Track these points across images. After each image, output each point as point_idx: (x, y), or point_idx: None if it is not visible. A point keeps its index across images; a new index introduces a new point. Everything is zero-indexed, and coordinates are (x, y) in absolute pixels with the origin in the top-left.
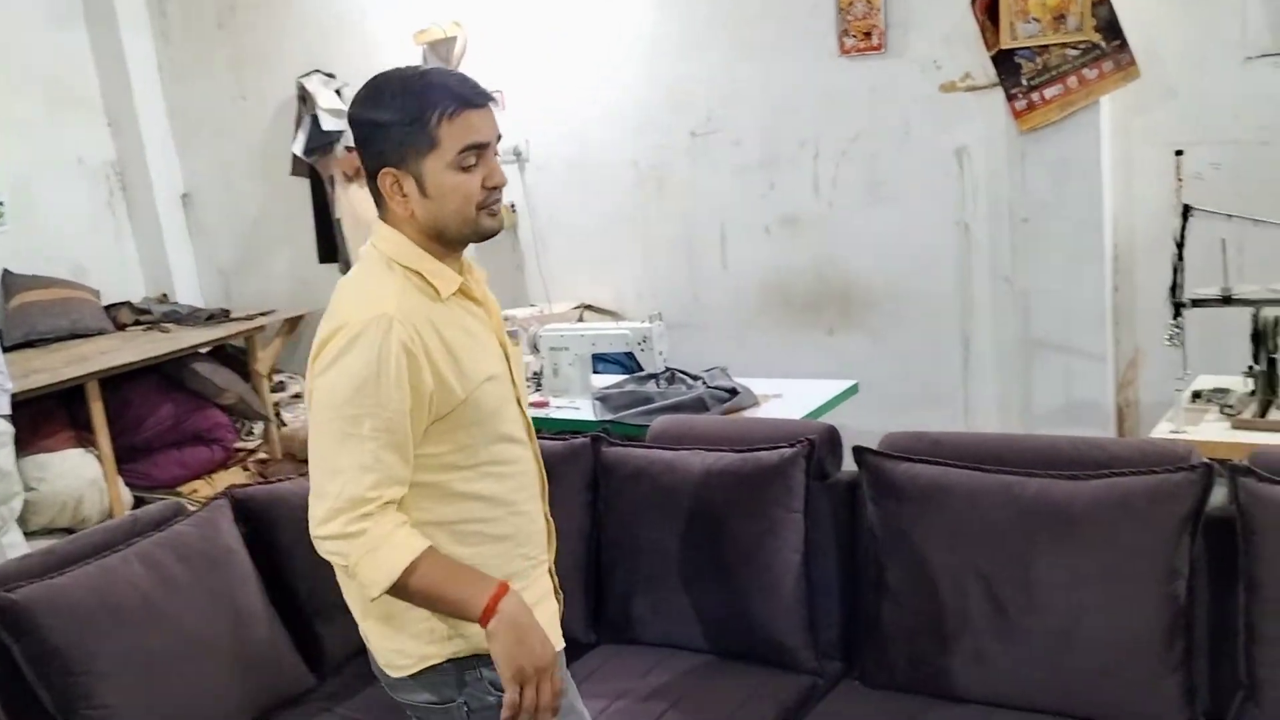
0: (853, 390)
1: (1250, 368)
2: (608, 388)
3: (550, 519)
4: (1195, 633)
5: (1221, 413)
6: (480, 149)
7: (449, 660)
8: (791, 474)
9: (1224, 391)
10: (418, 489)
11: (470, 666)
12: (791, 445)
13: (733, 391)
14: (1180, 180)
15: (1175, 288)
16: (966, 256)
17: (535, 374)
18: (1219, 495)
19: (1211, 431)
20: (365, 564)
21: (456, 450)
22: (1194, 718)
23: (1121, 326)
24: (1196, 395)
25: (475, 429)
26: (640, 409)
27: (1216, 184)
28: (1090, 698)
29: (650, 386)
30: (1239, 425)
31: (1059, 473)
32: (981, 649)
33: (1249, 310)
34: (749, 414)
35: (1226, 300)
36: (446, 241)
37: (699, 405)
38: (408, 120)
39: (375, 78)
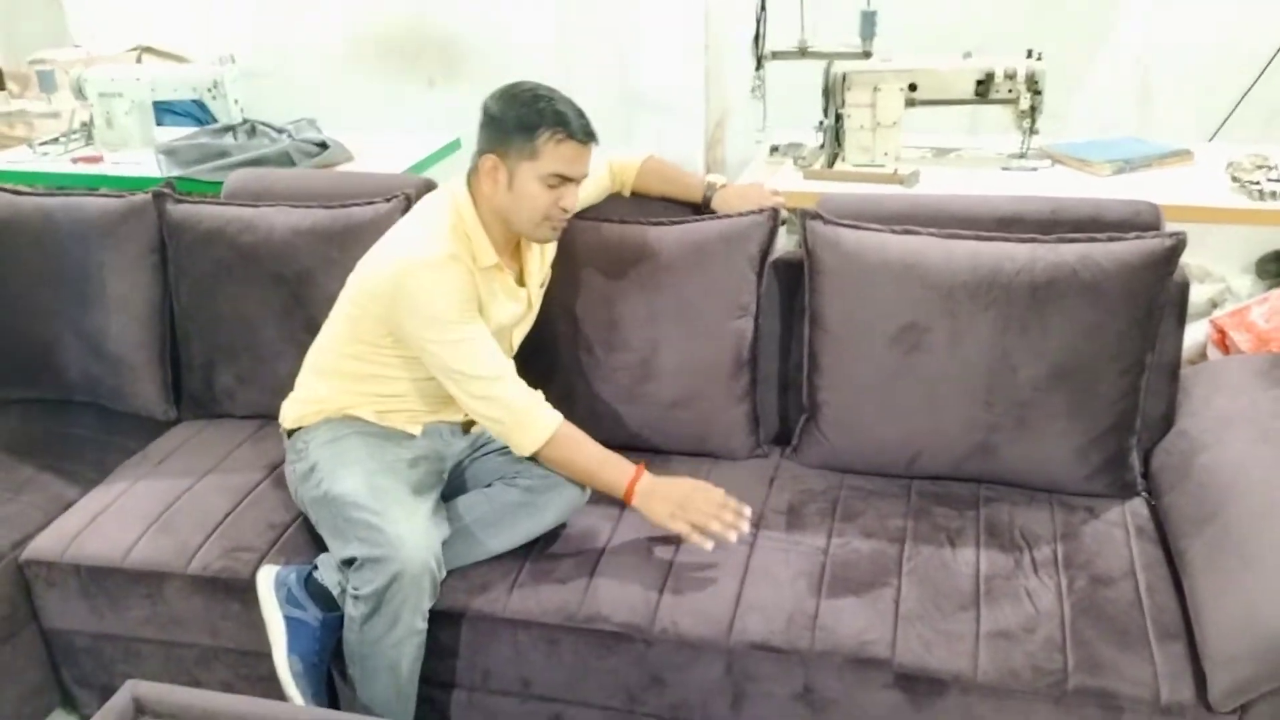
0: (455, 145)
1: (820, 123)
2: (176, 140)
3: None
4: (763, 366)
5: (795, 165)
6: (567, 179)
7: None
8: (386, 229)
9: (798, 145)
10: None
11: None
12: (387, 200)
13: (323, 145)
14: None
15: (758, 39)
16: (565, 8)
17: (84, 124)
18: (794, 242)
19: (786, 182)
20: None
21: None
22: (757, 444)
23: (712, 85)
24: (775, 149)
25: None
26: (214, 164)
27: None
28: (664, 428)
29: (227, 140)
30: (810, 175)
31: (645, 220)
32: (571, 384)
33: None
34: (343, 169)
35: (803, 53)
36: (509, 232)
37: (284, 160)
38: (521, 128)
39: (514, 84)
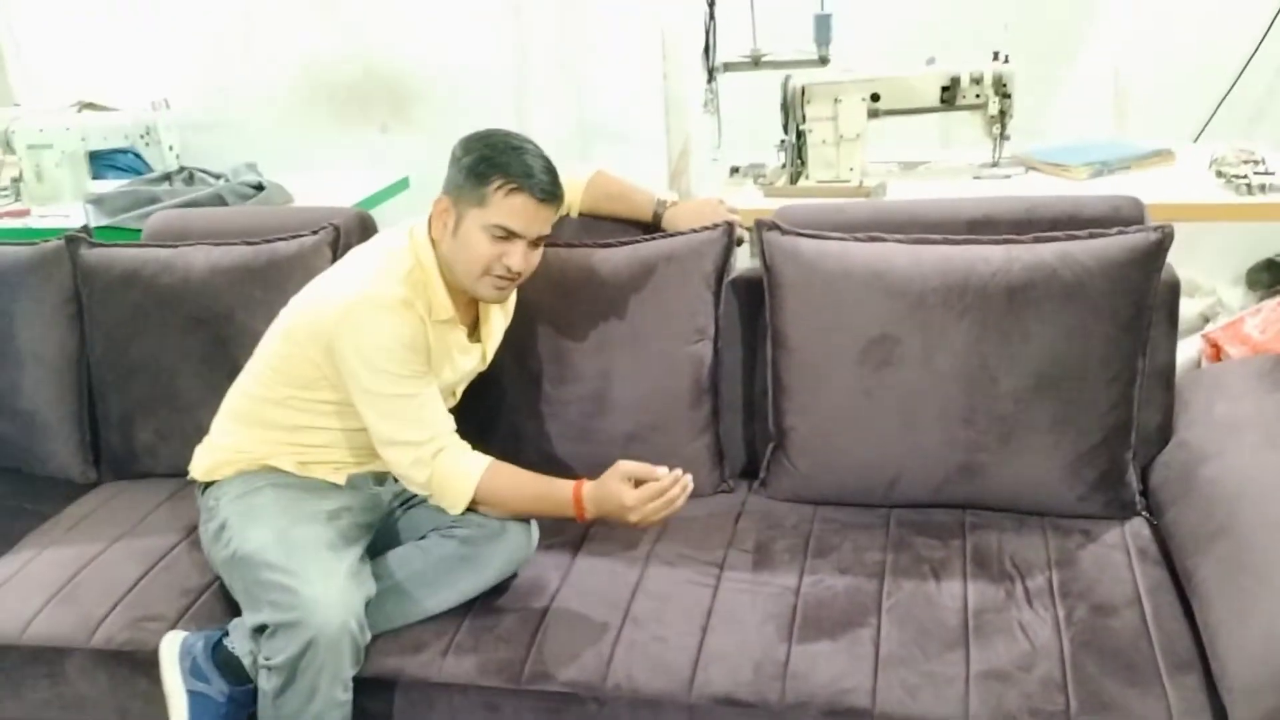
0: (403, 184)
1: (781, 140)
2: (107, 191)
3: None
4: (725, 393)
5: (756, 184)
6: (514, 235)
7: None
8: (315, 265)
9: (760, 166)
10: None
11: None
12: (314, 233)
13: (259, 187)
14: None
15: (707, 50)
16: (522, 41)
17: (13, 180)
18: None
19: (747, 201)
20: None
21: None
22: (722, 478)
23: (673, 113)
24: (735, 170)
25: None
26: (141, 211)
27: None
28: None
29: (162, 187)
30: (771, 194)
31: (592, 242)
32: (517, 426)
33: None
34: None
35: (756, 63)
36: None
37: (215, 203)
38: (475, 172)
39: (495, 129)
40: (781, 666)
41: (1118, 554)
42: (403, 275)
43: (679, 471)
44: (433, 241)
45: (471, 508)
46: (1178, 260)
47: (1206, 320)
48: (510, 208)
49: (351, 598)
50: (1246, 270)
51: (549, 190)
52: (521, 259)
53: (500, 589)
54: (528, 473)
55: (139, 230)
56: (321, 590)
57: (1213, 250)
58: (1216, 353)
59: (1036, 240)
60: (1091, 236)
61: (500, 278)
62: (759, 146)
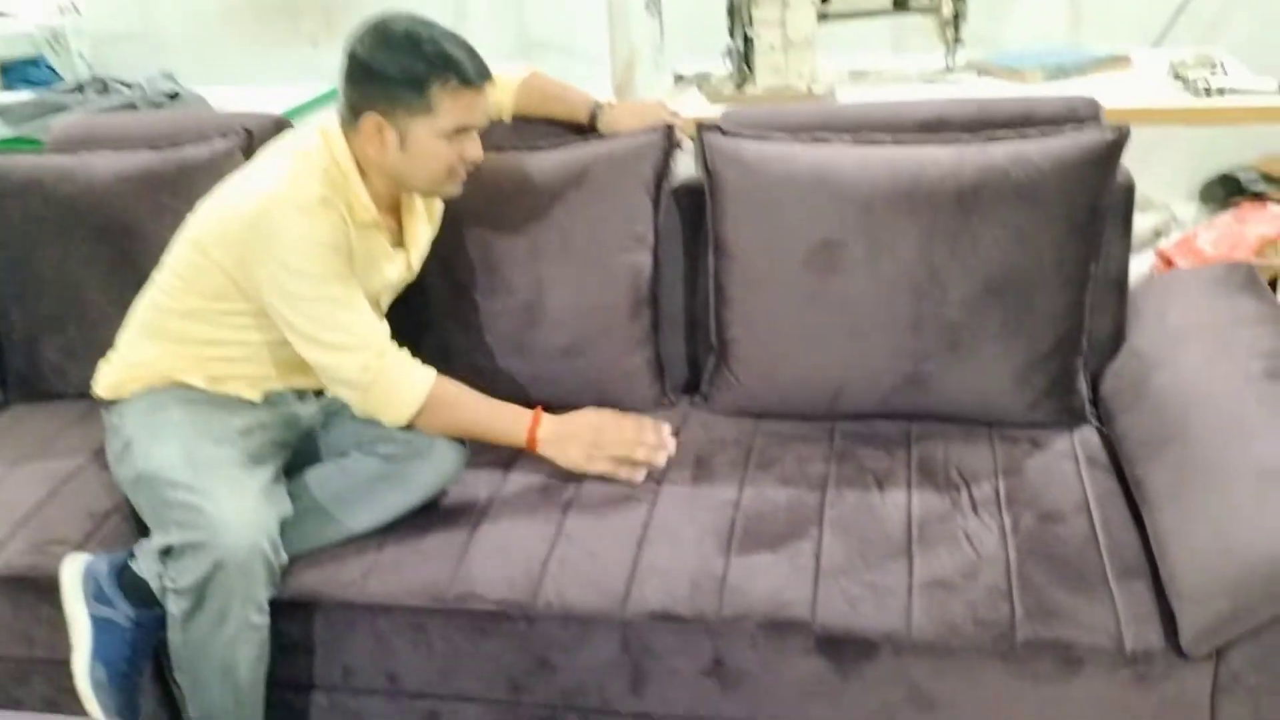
0: (332, 94)
1: (728, 47)
2: (13, 100)
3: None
4: (666, 305)
5: (701, 91)
6: (468, 128)
7: None
8: (226, 171)
9: (705, 75)
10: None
11: None
12: (225, 136)
13: (174, 96)
14: None
15: None
16: None
17: None
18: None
19: (690, 107)
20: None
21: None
22: (663, 392)
23: (617, 25)
24: (680, 78)
25: None
26: (48, 120)
27: None
28: (557, 380)
29: (73, 97)
30: (717, 100)
31: (525, 145)
32: (446, 339)
33: None
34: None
35: None
36: (396, 189)
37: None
38: (408, 81)
39: (383, 21)
40: (719, 580)
41: (1066, 462)
42: (319, 174)
43: (668, 427)
44: (350, 147)
45: (408, 423)
46: (1132, 175)
47: (1159, 235)
48: (460, 106)
49: (262, 517)
50: (1201, 185)
51: (484, 71)
52: (478, 146)
53: (427, 507)
54: (477, 392)
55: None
56: (230, 509)
57: (1167, 166)
58: (1169, 266)
59: (988, 140)
60: (1045, 135)
61: (462, 173)
62: (705, 54)
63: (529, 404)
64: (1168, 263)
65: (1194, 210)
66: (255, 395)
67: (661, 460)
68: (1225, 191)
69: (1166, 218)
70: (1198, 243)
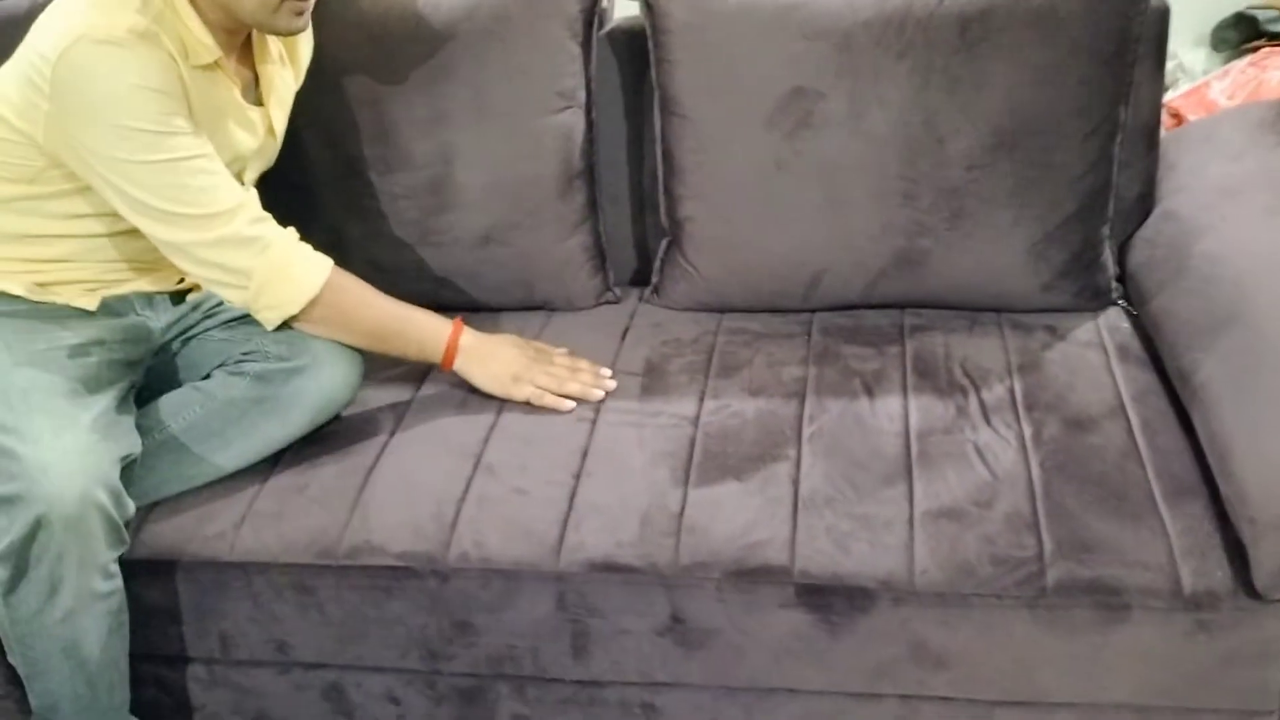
0: None
1: None
2: None
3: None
4: (606, 180)
5: None
6: None
7: None
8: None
9: None
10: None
11: None
12: None
13: None
14: None
15: None
16: None
17: None
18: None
19: None
20: None
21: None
22: (606, 285)
23: None
24: None
25: None
26: None
27: None
28: (476, 276)
29: None
30: None
31: None
32: (336, 228)
33: None
34: None
35: None
36: (234, 21)
37: None
38: None
39: None
40: (675, 519)
41: (1093, 353)
42: (136, 4)
43: (608, 370)
44: None
45: (291, 323)
46: None
47: (1165, 87)
48: None
49: (97, 459)
50: (1212, 28)
51: None
52: None
53: (313, 438)
54: (384, 296)
55: None
56: (51, 451)
57: (1171, 6)
58: (1178, 122)
59: None
60: None
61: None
62: None
63: (438, 308)
64: (1176, 117)
65: (1203, 57)
66: (91, 303)
67: (597, 395)
68: (1239, 34)
69: (1173, 66)
70: (1210, 94)
